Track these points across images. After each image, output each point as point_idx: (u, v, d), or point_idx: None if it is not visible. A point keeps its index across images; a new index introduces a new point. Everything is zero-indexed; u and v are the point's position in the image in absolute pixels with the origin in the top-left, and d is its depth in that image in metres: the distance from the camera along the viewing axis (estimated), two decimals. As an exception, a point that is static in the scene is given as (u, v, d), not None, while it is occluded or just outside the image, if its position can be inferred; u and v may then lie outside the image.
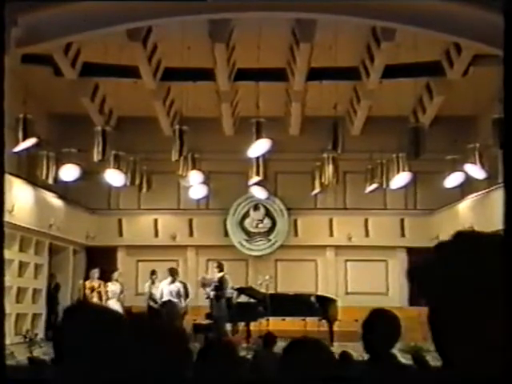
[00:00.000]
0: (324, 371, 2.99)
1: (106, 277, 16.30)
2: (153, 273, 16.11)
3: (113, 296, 15.80)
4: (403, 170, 16.21)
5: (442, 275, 1.27)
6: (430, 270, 1.29)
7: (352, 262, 19.63)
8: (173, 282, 15.43)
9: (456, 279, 1.24)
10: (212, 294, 14.96)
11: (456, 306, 1.24)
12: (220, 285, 14.95)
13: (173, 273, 15.66)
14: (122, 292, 16.11)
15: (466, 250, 1.27)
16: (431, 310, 1.29)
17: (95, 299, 15.45)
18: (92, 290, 15.83)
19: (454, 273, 1.25)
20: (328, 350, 3.24)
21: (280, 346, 8.57)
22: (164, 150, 15.71)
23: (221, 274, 15.13)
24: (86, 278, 17.02)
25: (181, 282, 15.74)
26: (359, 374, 3.31)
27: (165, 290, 15.31)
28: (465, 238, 1.31)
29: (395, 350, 3.59)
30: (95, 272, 16.20)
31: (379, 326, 3.55)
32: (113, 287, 15.98)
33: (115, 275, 16.29)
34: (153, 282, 15.85)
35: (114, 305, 15.04)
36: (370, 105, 17.74)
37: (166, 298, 15.19)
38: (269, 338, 8.27)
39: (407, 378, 3.49)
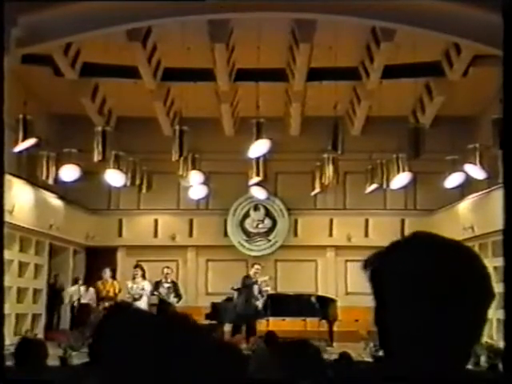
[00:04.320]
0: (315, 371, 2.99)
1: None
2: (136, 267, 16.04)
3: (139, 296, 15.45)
4: (403, 171, 16.19)
5: (391, 271, 1.28)
6: (382, 262, 1.30)
7: (352, 263, 19.57)
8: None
9: (405, 277, 1.26)
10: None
11: (402, 303, 1.25)
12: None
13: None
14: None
15: (418, 251, 1.29)
16: (378, 305, 1.30)
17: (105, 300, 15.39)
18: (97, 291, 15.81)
19: (404, 270, 1.26)
20: (317, 349, 3.23)
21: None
22: (164, 150, 15.68)
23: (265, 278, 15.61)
24: (87, 278, 16.98)
25: (172, 281, 15.83)
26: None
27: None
28: (420, 238, 1.33)
29: None
30: (106, 272, 16.08)
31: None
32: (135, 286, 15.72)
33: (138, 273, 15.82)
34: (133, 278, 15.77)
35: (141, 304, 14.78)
36: (370, 105, 17.73)
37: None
38: (271, 337, 8.25)
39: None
